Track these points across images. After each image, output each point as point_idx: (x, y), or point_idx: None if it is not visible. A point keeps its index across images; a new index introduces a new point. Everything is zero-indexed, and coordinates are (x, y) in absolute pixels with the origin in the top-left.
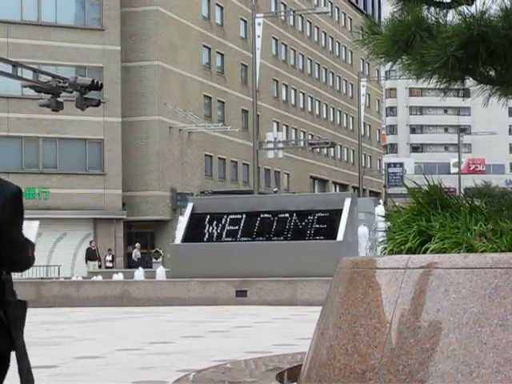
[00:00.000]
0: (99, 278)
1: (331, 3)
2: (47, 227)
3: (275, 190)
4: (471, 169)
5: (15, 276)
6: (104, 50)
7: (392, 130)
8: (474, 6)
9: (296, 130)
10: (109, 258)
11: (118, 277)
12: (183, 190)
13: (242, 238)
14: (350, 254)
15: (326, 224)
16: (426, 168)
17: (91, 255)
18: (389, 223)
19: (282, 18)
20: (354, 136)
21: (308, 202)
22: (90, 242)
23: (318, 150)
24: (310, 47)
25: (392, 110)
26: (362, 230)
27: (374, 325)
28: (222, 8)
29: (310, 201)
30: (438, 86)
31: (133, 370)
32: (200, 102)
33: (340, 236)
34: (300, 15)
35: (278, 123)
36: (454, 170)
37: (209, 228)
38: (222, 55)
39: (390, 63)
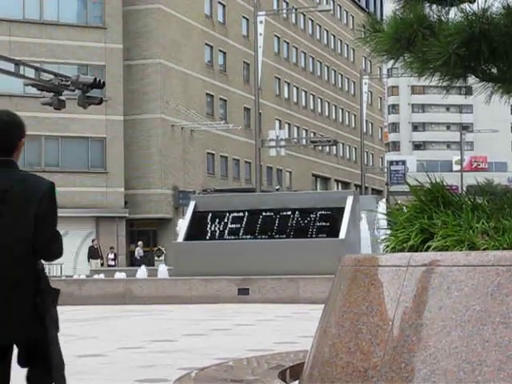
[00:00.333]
0: (101, 276)
1: (333, 1)
2: None
3: (277, 188)
4: (473, 166)
5: None
6: (106, 48)
7: (394, 127)
8: (475, 3)
9: (298, 127)
10: (111, 256)
11: (121, 275)
12: (185, 188)
13: (244, 236)
14: (352, 252)
15: (329, 222)
16: (428, 166)
17: (93, 253)
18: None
19: (284, 15)
20: (356, 134)
21: (310, 200)
22: (93, 241)
23: (320, 147)
24: (312, 45)
25: (394, 108)
26: (364, 228)
27: (376, 323)
28: (224, 6)
29: (313, 199)
30: (440, 84)
31: (134, 369)
32: (202, 100)
33: (342, 234)
34: (302, 13)
35: (280, 121)
36: (456, 167)
37: (211, 226)
38: (224, 53)
39: (392, 61)
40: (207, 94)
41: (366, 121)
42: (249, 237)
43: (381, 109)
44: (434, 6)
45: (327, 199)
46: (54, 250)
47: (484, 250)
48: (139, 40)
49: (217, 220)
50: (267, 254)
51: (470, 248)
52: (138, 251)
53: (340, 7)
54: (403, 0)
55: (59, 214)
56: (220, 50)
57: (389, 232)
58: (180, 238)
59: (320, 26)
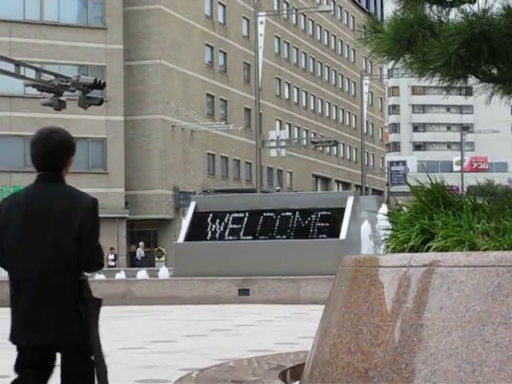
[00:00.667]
0: (102, 276)
1: (334, 2)
2: None
3: (278, 188)
4: (474, 167)
5: None
6: (106, 48)
7: (395, 128)
8: (476, 4)
9: (299, 128)
10: (111, 256)
11: (121, 275)
12: (186, 188)
13: (245, 237)
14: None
15: (329, 222)
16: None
17: None
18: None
19: (285, 16)
20: (357, 134)
21: (311, 201)
22: None
23: (320, 148)
24: (313, 45)
25: (395, 108)
26: (365, 229)
27: (376, 323)
28: (224, 6)
29: (313, 199)
30: (440, 85)
31: (135, 369)
32: (203, 101)
33: (343, 234)
34: (302, 13)
35: (280, 122)
36: (456, 168)
37: (211, 226)
38: (225, 54)
39: (393, 61)
40: (208, 94)
41: (367, 121)
42: (249, 237)
43: (381, 109)
44: (435, 7)
45: (328, 200)
46: (97, 261)
47: (484, 250)
48: (140, 41)
49: (217, 220)
50: (268, 254)
51: (470, 248)
52: (140, 252)
53: (340, 8)
54: (403, 1)
55: None
56: (220, 51)
57: (389, 232)
58: (180, 239)
59: (320, 27)
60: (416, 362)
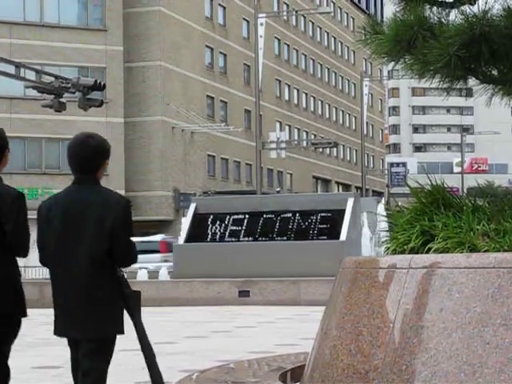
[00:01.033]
0: None
1: (334, 3)
2: None
3: (278, 189)
4: (474, 168)
5: None
6: (107, 50)
7: (395, 129)
8: (476, 5)
9: (299, 129)
10: None
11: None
12: (186, 190)
13: (245, 238)
14: (353, 254)
15: (329, 224)
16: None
17: None
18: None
19: (285, 17)
20: (357, 136)
21: (311, 202)
22: None
23: (320, 149)
24: (313, 47)
25: (395, 110)
26: (365, 230)
27: (377, 325)
28: (224, 8)
29: (313, 201)
30: (440, 86)
31: (136, 371)
32: (203, 102)
33: (343, 236)
34: (302, 15)
35: (280, 123)
36: (456, 169)
37: (212, 228)
38: (225, 55)
39: (393, 63)
40: (208, 96)
41: (367, 123)
42: (249, 239)
43: (381, 111)
44: (435, 8)
45: (328, 201)
46: (130, 257)
47: (485, 252)
48: (140, 42)
49: (217, 222)
50: (268, 255)
51: (470, 250)
52: None
53: (340, 9)
54: (403, 2)
55: (34, 217)
56: (220, 52)
57: (389, 234)
58: (181, 240)
59: (320, 28)
60: (416, 364)
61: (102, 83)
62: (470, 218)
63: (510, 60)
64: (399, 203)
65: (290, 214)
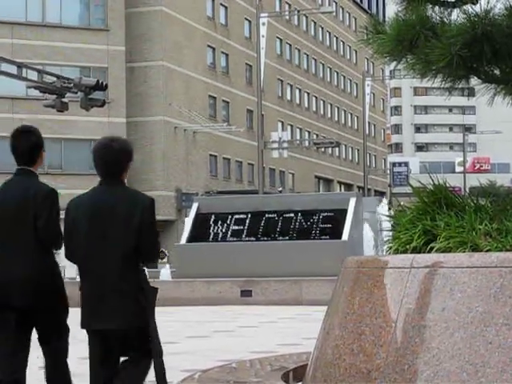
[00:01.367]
0: None
1: (336, 3)
2: None
3: (280, 189)
4: (476, 168)
5: None
6: (108, 50)
7: (397, 129)
8: (478, 4)
9: (301, 129)
10: None
11: None
12: (188, 190)
13: (247, 238)
14: (355, 254)
15: (331, 224)
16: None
17: None
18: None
19: (287, 17)
20: (359, 135)
21: (313, 202)
22: None
23: (322, 149)
24: (315, 47)
25: (397, 110)
26: (367, 230)
27: (379, 324)
28: (226, 8)
29: (315, 200)
30: (442, 85)
31: None
32: (205, 102)
33: (345, 236)
34: (304, 15)
35: (282, 123)
36: (458, 169)
37: (214, 228)
38: (227, 55)
39: (395, 62)
40: (210, 95)
41: (369, 122)
42: (251, 238)
43: (383, 110)
44: (437, 8)
45: (330, 201)
46: (155, 253)
47: (487, 251)
48: (142, 42)
49: (219, 222)
50: (270, 255)
51: (472, 249)
52: None
53: (342, 9)
54: (405, 1)
55: (61, 216)
56: (222, 52)
57: (392, 234)
58: (183, 240)
59: (322, 28)
60: (419, 363)
61: (104, 83)
62: (472, 218)
63: None
64: (401, 203)
65: (291, 214)
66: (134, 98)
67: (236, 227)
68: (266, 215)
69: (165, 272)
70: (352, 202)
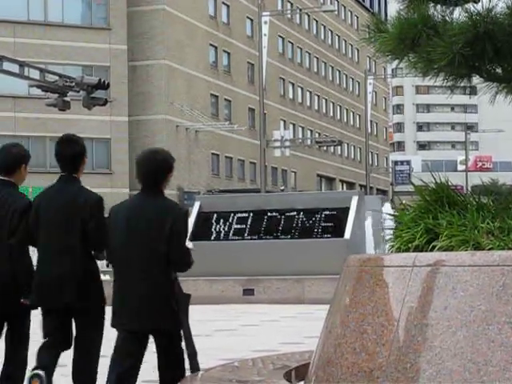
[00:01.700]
0: (107, 277)
1: (338, 1)
2: None
3: (282, 188)
4: (478, 166)
5: None
6: (111, 49)
7: (399, 127)
8: (480, 3)
9: (303, 128)
10: None
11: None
12: (190, 188)
13: (249, 237)
14: (357, 252)
15: (334, 222)
16: (433, 166)
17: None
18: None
19: (289, 16)
20: (361, 134)
21: (315, 201)
22: None
23: (324, 148)
24: (317, 45)
25: (399, 108)
26: (369, 228)
27: (381, 323)
28: (228, 6)
29: (317, 199)
30: (444, 84)
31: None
32: (207, 101)
33: (347, 234)
34: (306, 13)
35: (284, 121)
36: (461, 167)
37: (216, 226)
38: (229, 54)
39: (397, 61)
40: (212, 94)
41: (371, 121)
42: (254, 237)
43: (385, 109)
44: (439, 6)
45: (332, 199)
46: (187, 261)
47: (489, 250)
48: (143, 41)
49: (221, 220)
50: (272, 254)
51: (475, 248)
52: None
53: (344, 7)
54: (407, 0)
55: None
56: (224, 51)
57: (394, 232)
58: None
59: (324, 27)
60: (421, 362)
61: (106, 82)
62: (475, 216)
63: None
64: (403, 201)
65: (294, 213)
66: (136, 96)
67: (238, 226)
68: (268, 214)
69: None
70: (354, 200)
